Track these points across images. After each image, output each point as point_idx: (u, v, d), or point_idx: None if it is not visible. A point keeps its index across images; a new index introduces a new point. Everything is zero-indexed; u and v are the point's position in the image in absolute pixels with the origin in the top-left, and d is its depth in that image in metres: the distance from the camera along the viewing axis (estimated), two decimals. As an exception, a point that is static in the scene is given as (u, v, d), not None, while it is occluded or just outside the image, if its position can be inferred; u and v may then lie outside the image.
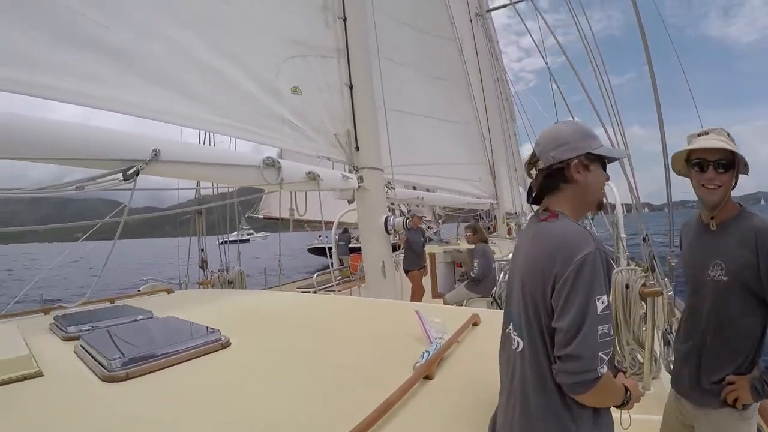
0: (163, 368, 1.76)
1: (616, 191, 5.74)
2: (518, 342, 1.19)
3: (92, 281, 2.94)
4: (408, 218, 4.55)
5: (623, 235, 5.31)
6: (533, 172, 1.27)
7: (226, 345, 2.05)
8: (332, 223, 5.60)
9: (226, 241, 5.94)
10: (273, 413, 1.48)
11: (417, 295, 6.66)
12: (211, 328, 2.12)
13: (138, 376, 1.68)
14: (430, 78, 9.56)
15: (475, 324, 2.29)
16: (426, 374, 1.63)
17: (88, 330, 2.28)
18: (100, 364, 1.74)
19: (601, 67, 4.03)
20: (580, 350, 1.03)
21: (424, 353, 1.76)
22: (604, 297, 1.05)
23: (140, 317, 2.53)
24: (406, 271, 6.75)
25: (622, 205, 5.90)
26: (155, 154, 2.84)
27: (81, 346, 1.98)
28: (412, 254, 6.85)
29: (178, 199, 4.65)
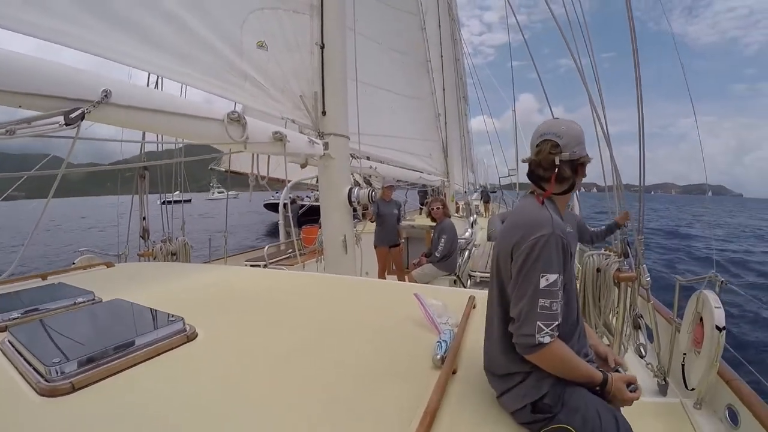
0: (119, 372, 1.42)
1: None
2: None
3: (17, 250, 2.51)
4: (373, 190, 4.36)
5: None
6: (556, 159, 1.34)
7: (192, 337, 1.72)
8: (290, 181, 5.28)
9: (166, 202, 5.45)
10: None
11: (380, 274, 6.42)
12: (172, 316, 1.77)
13: (86, 386, 1.33)
14: (390, 50, 9.31)
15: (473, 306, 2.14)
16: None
17: (17, 319, 1.89)
18: (36, 370, 1.37)
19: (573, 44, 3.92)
20: (521, 314, 1.21)
21: (440, 342, 1.57)
22: (552, 275, 1.19)
23: (80, 300, 2.15)
24: (376, 247, 6.48)
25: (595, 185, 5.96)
26: (105, 95, 2.43)
27: (9, 342, 1.59)
28: (383, 228, 6.49)
29: (122, 153, 4.14)
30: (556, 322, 1.19)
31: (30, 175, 2.52)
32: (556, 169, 1.35)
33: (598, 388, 1.27)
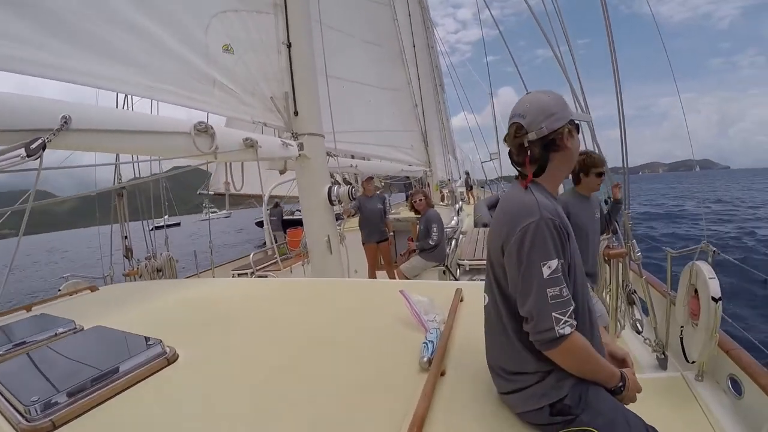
0: (99, 404, 1.39)
1: None
2: (485, 297, 1.36)
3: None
4: (353, 187, 4.32)
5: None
6: (524, 142, 1.28)
7: (172, 360, 1.68)
8: (271, 196, 5.22)
9: (156, 227, 5.36)
10: None
11: (370, 271, 6.45)
12: (151, 339, 1.73)
13: (68, 422, 1.30)
14: (363, 43, 9.22)
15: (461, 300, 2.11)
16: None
17: None
18: (15, 410, 1.33)
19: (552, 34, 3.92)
20: (532, 311, 1.14)
21: (426, 344, 1.53)
22: (552, 261, 1.13)
23: (61, 330, 2.09)
24: (364, 244, 6.47)
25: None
26: (65, 122, 2.36)
27: None
28: (368, 225, 6.48)
29: (96, 182, 4.04)
30: (572, 307, 1.13)
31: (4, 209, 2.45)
32: (528, 152, 1.28)
33: (621, 384, 1.23)
